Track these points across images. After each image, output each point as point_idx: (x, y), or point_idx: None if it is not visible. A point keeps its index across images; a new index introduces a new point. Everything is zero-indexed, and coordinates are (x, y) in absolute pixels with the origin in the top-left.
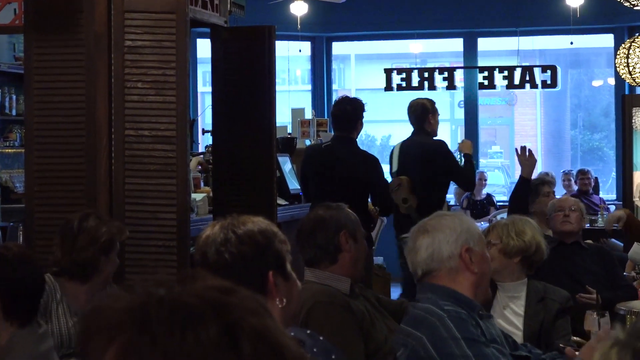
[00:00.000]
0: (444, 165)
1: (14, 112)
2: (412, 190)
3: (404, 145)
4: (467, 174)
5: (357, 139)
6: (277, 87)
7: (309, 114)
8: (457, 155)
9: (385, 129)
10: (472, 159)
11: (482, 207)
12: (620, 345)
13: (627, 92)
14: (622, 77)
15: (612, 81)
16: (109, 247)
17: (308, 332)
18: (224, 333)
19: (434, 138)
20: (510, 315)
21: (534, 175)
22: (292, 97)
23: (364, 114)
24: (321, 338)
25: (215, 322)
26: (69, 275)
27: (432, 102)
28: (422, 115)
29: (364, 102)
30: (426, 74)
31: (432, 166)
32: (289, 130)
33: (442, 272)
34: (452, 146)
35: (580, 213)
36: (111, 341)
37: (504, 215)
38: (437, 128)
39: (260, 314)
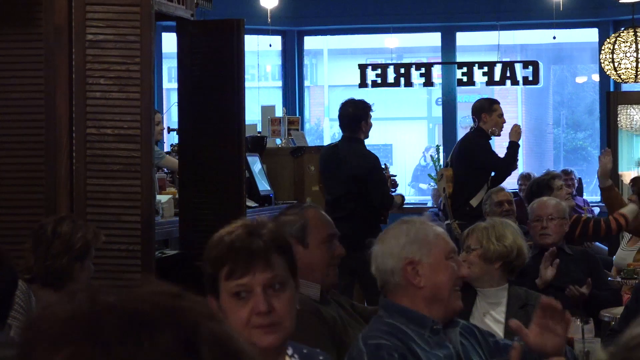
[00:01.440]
0: (477, 160)
1: None
2: (452, 181)
3: (458, 140)
4: (501, 163)
5: (364, 139)
6: (247, 84)
7: (279, 112)
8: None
9: None
10: (515, 146)
11: None
12: None
13: (612, 89)
14: (607, 73)
15: (596, 77)
16: (84, 254)
17: (305, 351)
18: (181, 338)
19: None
20: (491, 323)
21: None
22: (261, 93)
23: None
24: (321, 358)
25: (171, 327)
26: (42, 282)
27: (490, 101)
28: (477, 113)
29: (370, 103)
30: (402, 70)
31: (465, 159)
32: (259, 128)
33: (391, 286)
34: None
35: (560, 220)
36: (57, 352)
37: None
38: (496, 126)
39: (215, 319)
